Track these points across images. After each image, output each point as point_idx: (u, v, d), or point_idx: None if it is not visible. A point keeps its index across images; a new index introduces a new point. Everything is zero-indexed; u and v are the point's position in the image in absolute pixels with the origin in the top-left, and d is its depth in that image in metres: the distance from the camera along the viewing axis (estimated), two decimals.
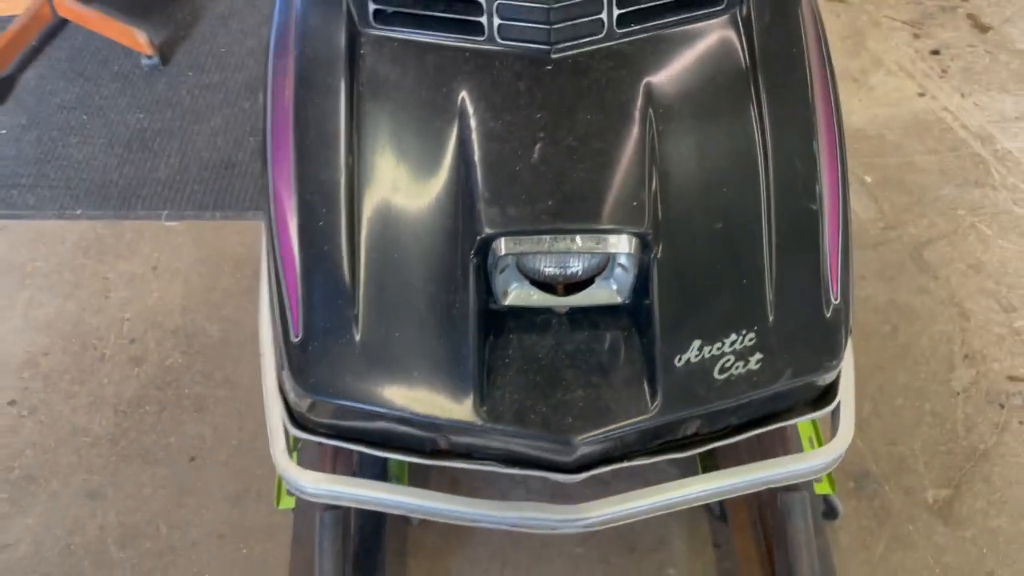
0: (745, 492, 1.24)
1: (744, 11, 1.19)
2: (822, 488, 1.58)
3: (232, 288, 2.02)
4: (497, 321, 1.15)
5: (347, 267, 1.11)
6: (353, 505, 1.24)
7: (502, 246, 1.07)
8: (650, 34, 1.18)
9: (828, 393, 1.23)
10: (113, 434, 1.81)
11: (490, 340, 1.13)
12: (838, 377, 1.22)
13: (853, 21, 2.58)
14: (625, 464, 1.17)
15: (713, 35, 1.18)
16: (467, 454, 1.18)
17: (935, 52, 2.48)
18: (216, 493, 1.72)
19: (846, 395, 1.24)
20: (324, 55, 1.19)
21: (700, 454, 1.48)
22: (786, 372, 1.10)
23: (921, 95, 2.37)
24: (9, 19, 2.50)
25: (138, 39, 2.45)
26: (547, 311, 1.16)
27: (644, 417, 1.08)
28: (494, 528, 1.21)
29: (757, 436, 1.40)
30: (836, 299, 1.12)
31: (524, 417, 1.08)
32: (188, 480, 1.74)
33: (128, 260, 2.10)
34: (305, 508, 1.48)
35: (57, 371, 1.91)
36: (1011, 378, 1.82)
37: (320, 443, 1.22)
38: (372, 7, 1.19)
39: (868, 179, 2.18)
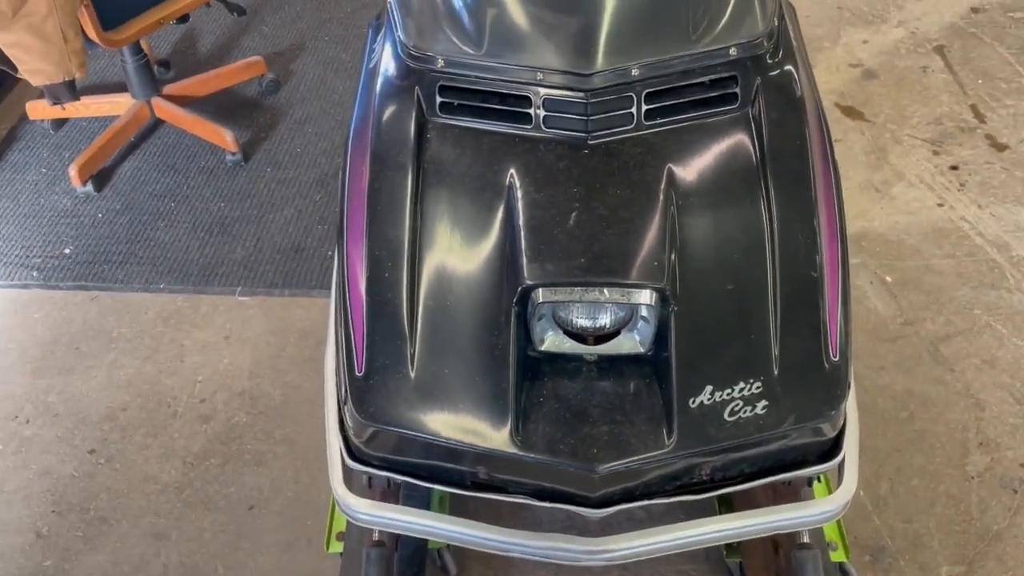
0: (754, 535, 1.35)
1: (755, 110, 1.39)
2: (838, 556, 1.67)
3: (296, 356, 2.21)
4: (534, 365, 1.31)
5: (406, 312, 1.29)
6: (399, 531, 1.38)
7: (540, 295, 1.24)
8: (674, 126, 1.38)
9: (834, 449, 1.35)
10: (180, 483, 1.97)
11: (527, 381, 1.29)
12: (842, 433, 1.35)
13: (876, 138, 2.78)
14: (645, 503, 1.31)
15: (727, 129, 1.38)
16: (503, 488, 1.32)
17: (954, 167, 2.66)
18: (270, 539, 1.86)
19: (850, 451, 1.36)
20: (397, 138, 1.41)
21: (719, 503, 1.61)
22: (789, 418, 1.23)
23: (940, 205, 2.54)
24: (113, 118, 2.82)
25: (225, 137, 2.74)
26: (578, 358, 1.32)
27: (661, 451, 1.22)
28: (525, 557, 1.34)
29: (773, 492, 1.53)
30: (835, 356, 1.26)
31: (554, 447, 1.23)
32: (245, 527, 1.89)
33: (203, 329, 2.31)
34: (351, 552, 1.62)
35: (133, 425, 2.10)
36: None
37: (372, 474, 1.37)
38: (439, 100, 1.42)
39: (888, 279, 2.33)
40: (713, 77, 1.39)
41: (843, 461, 1.36)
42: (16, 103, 3.03)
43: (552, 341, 1.29)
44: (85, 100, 2.95)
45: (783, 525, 1.35)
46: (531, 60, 1.38)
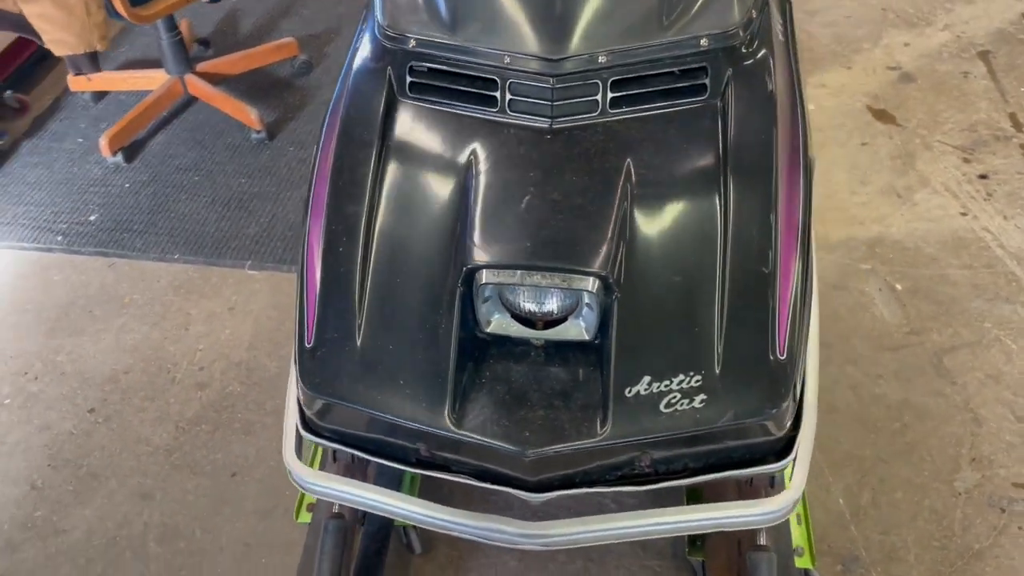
0: (695, 531, 1.34)
1: (724, 102, 1.37)
2: (804, 562, 1.64)
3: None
4: (482, 346, 1.31)
5: (357, 287, 1.31)
6: (337, 500, 1.40)
7: (483, 276, 1.25)
8: (639, 115, 1.37)
9: (788, 449, 1.33)
10: (170, 446, 2.03)
11: (472, 362, 1.30)
12: (796, 436, 1.33)
13: (906, 143, 2.71)
14: (585, 491, 1.30)
15: (694, 119, 1.36)
16: (446, 466, 1.33)
17: (983, 176, 2.57)
18: (249, 506, 1.90)
19: (802, 453, 1.33)
20: (365, 116, 1.43)
21: (689, 498, 1.59)
22: (727, 414, 1.21)
23: (963, 214, 2.46)
24: (147, 93, 2.91)
25: (250, 116, 2.80)
26: (526, 342, 1.32)
27: (593, 439, 1.21)
28: (465, 536, 1.35)
29: (739, 490, 1.51)
30: (782, 354, 1.24)
31: (487, 428, 1.23)
32: (227, 492, 1.94)
33: (210, 300, 2.37)
34: (317, 523, 1.65)
35: (133, 388, 2.17)
36: (1016, 485, 1.84)
37: (323, 446, 1.40)
38: (409, 80, 1.43)
39: (899, 287, 2.27)
40: (683, 67, 1.38)
41: (794, 462, 1.33)
42: (61, 75, 3.14)
43: (498, 324, 1.30)
44: (122, 74, 3.06)
45: (724, 523, 1.34)
46: (500, 44, 1.38)
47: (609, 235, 1.26)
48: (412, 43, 1.43)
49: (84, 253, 2.54)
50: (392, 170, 1.38)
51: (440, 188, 1.35)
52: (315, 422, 1.38)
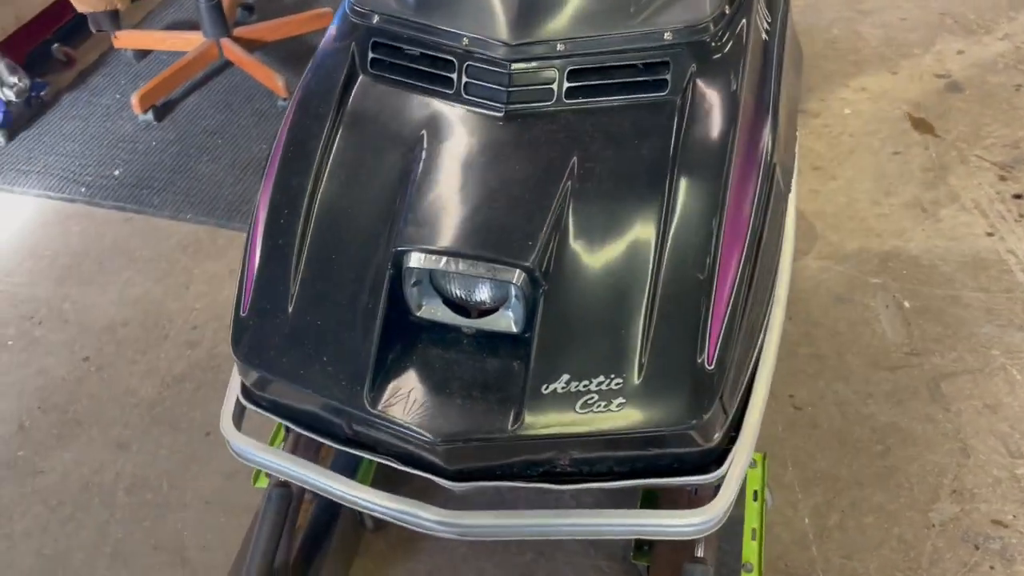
0: (613, 536, 1.31)
1: (683, 99, 1.32)
2: None
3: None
4: (414, 330, 1.30)
5: (294, 260, 1.31)
6: (262, 468, 1.41)
7: (410, 259, 1.23)
8: (595, 106, 1.33)
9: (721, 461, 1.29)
10: (154, 400, 2.09)
11: (401, 344, 1.29)
12: (729, 449, 1.29)
13: (941, 156, 2.59)
14: (503, 484, 1.29)
15: (650, 115, 1.32)
16: (372, 447, 1.33)
17: (1017, 196, 2.44)
18: (216, 467, 1.94)
19: (735, 468, 1.29)
20: (323, 90, 1.43)
21: (642, 501, 1.56)
22: (644, 420, 1.18)
23: (990, 235, 2.34)
24: (181, 54, 2.97)
25: (277, 83, 2.83)
26: (457, 330, 1.31)
27: (504, 434, 1.19)
28: (381, 516, 1.34)
29: (688, 499, 1.47)
30: (710, 364, 1.20)
31: (403, 412, 1.22)
32: (199, 451, 1.98)
33: (215, 261, 2.42)
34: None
35: (128, 340, 2.23)
36: (995, 522, 1.75)
37: (261, 415, 1.41)
38: (371, 56, 1.42)
39: (907, 304, 2.18)
40: (645, 60, 1.34)
41: (723, 477, 1.29)
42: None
43: (429, 309, 1.29)
44: (160, 34, 3.13)
45: (643, 531, 1.31)
46: (460, 25, 1.37)
47: (543, 228, 1.23)
48: (376, 19, 1.42)
49: (104, 206, 2.61)
50: (342, 145, 1.38)
51: (386, 166, 1.34)
52: (253, 392, 1.40)
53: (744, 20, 1.41)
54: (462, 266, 1.22)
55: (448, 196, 1.27)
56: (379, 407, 1.23)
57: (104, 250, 2.48)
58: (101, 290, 2.36)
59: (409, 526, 1.34)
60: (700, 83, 1.33)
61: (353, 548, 1.79)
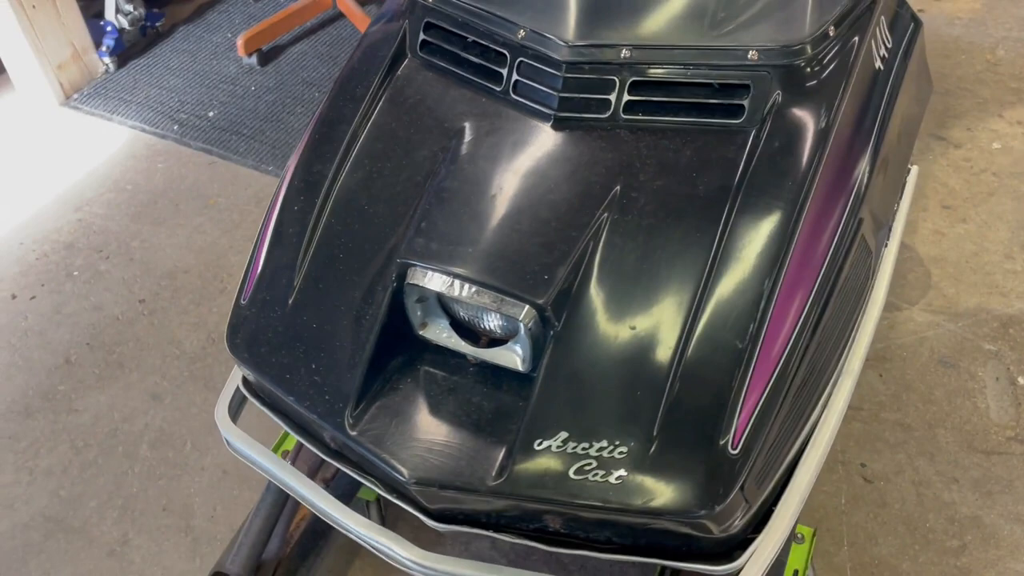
0: None
1: (759, 131, 1.13)
2: None
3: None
4: (417, 346, 1.18)
5: (301, 253, 1.21)
6: (255, 468, 1.33)
7: (414, 275, 1.10)
8: (655, 126, 1.16)
9: (738, 550, 1.12)
10: (196, 354, 2.05)
11: (398, 360, 1.16)
12: (747, 540, 1.12)
13: None
14: (485, 533, 1.16)
15: (717, 145, 1.14)
16: (358, 465, 1.22)
17: None
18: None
19: (757, 562, 1.11)
20: (367, 69, 1.30)
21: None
22: (647, 500, 1.02)
23: None
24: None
25: None
26: (462, 356, 1.17)
27: (482, 487, 1.06)
28: (360, 542, 1.24)
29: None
30: (734, 448, 1.02)
31: (381, 441, 1.10)
32: None
33: None
34: None
35: (186, 288, 2.20)
36: None
37: (256, 406, 1.32)
38: (422, 37, 1.29)
39: (1021, 381, 1.90)
40: (722, 80, 1.15)
41: (740, 569, 1.12)
42: None
43: (433, 329, 1.16)
44: None
45: None
46: (519, 15, 1.21)
47: (565, 262, 1.07)
48: None
49: (191, 146, 2.59)
50: (373, 132, 1.25)
51: (414, 161, 1.21)
52: (253, 384, 1.31)
53: (853, 44, 1.19)
54: (466, 293, 1.08)
55: (468, 208, 1.13)
56: (357, 431, 1.11)
57: (183, 192, 2.46)
58: (170, 233, 2.34)
59: (384, 557, 1.22)
60: (784, 114, 1.13)
61: (354, 549, 1.70)
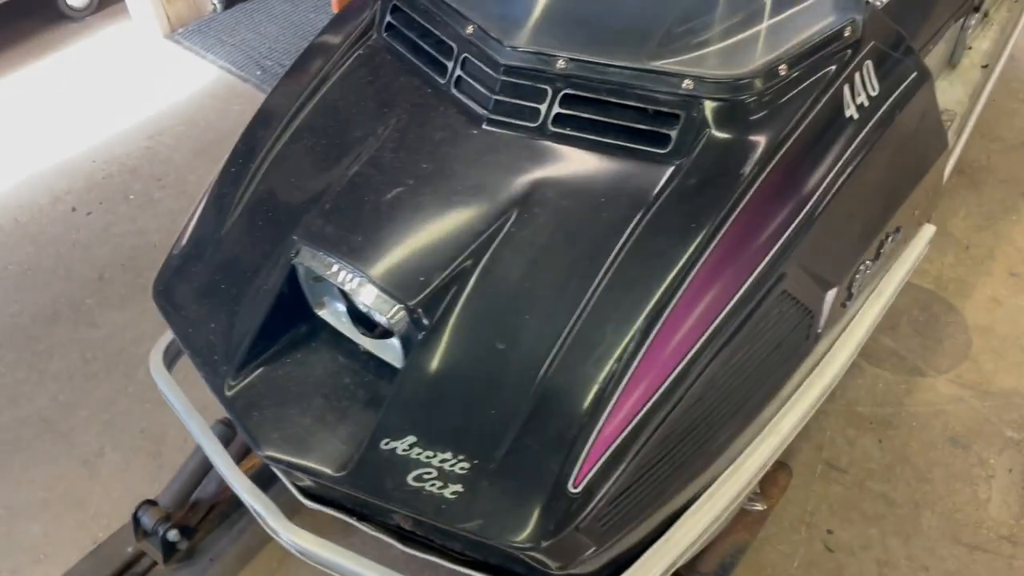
0: None
1: (683, 164, 1.06)
2: None
3: None
4: (321, 325, 1.19)
5: (229, 214, 1.24)
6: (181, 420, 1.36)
7: (303, 254, 1.11)
8: (580, 142, 1.11)
9: None
10: None
11: (299, 334, 1.18)
12: None
13: None
14: (348, 519, 1.16)
15: (636, 173, 1.08)
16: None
17: None
18: None
19: None
20: (332, 43, 1.31)
21: None
22: (472, 520, 0.99)
23: None
24: None
25: None
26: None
27: (325, 476, 1.06)
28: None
29: None
30: (575, 487, 0.98)
31: (249, 410, 1.12)
32: None
33: None
34: None
35: None
36: None
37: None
38: (387, 19, 1.28)
39: None
40: (654, 107, 1.08)
41: None
42: None
43: (329, 311, 1.17)
44: None
45: None
46: (471, 10, 1.19)
47: (447, 268, 1.05)
48: None
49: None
50: (320, 104, 1.27)
51: (346, 140, 1.22)
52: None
53: (814, 87, 1.10)
54: (346, 280, 1.07)
55: (374, 196, 1.12)
56: (232, 394, 1.14)
57: None
58: None
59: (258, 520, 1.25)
60: (710, 151, 1.06)
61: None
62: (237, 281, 1.19)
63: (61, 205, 2.38)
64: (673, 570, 1.14)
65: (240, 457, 1.59)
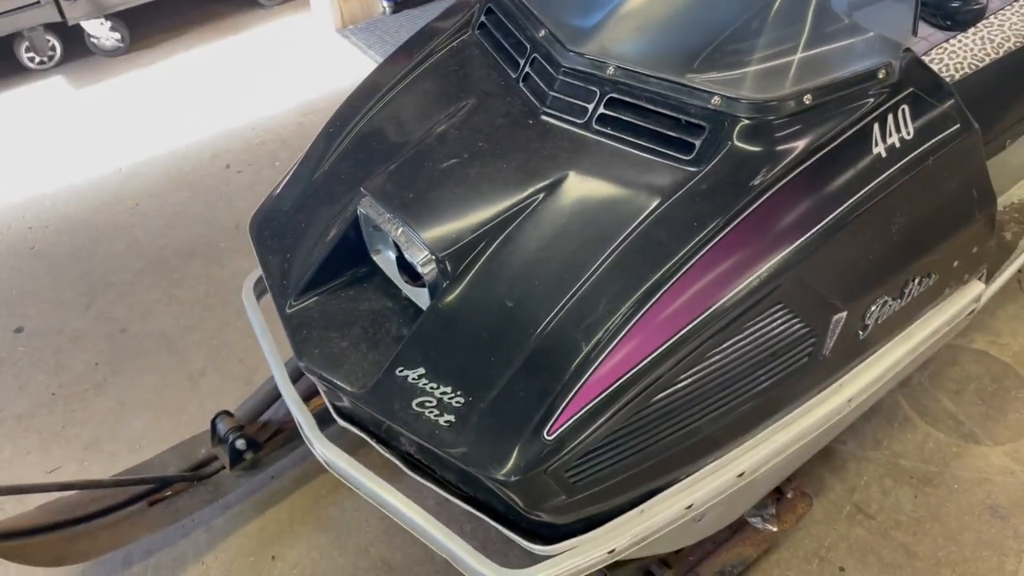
0: (440, 551, 1.26)
1: (701, 172, 1.17)
2: None
3: None
4: (378, 271, 1.37)
5: (322, 165, 1.45)
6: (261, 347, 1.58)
7: (363, 203, 1.30)
8: (616, 140, 1.24)
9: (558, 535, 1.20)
10: None
11: (354, 271, 1.37)
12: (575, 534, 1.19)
13: None
14: (367, 438, 1.33)
15: (661, 173, 1.19)
16: None
17: None
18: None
19: (571, 558, 1.19)
20: (435, 32, 1.51)
21: None
22: (457, 448, 1.13)
23: None
24: None
25: None
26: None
27: (346, 390, 1.23)
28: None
29: None
30: (549, 435, 1.10)
31: (299, 328, 1.32)
32: None
33: None
34: None
35: None
36: None
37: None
38: (481, 19, 1.46)
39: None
40: (685, 118, 1.21)
41: (547, 557, 1.20)
42: None
43: (382, 258, 1.35)
44: None
45: (454, 558, 1.25)
46: (547, 14, 1.35)
47: (479, 229, 1.21)
48: None
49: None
50: (412, 84, 1.46)
51: (426, 116, 1.40)
52: None
53: (840, 119, 1.19)
54: (392, 229, 1.25)
55: (432, 164, 1.30)
56: (290, 312, 1.34)
57: None
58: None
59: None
60: (728, 162, 1.17)
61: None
62: (314, 222, 1.39)
63: (219, 161, 2.71)
64: (647, 543, 1.24)
65: (308, 396, 1.79)
